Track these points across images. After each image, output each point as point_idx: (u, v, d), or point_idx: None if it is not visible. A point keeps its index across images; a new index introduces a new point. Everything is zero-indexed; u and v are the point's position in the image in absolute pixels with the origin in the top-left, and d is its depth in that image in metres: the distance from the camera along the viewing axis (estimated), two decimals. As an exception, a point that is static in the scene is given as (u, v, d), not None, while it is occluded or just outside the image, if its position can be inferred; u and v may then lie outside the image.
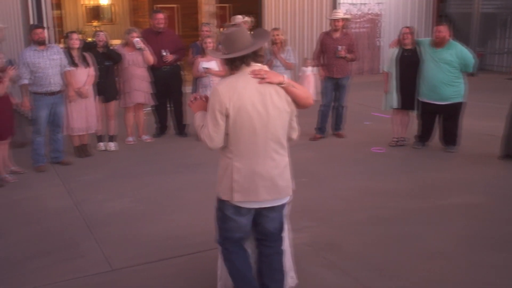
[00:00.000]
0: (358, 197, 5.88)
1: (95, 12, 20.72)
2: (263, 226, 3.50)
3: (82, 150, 7.57)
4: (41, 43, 6.77)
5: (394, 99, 7.62)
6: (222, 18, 19.60)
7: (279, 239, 3.61)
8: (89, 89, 7.30)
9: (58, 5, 18.36)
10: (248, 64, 3.27)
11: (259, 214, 3.45)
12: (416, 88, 7.49)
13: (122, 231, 5.05)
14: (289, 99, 3.30)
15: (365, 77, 14.42)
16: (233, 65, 3.32)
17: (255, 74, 3.23)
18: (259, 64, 3.32)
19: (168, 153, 7.61)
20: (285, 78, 3.29)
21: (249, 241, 3.66)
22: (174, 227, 5.03)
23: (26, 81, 6.68)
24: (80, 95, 7.18)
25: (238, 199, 3.31)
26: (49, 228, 5.16)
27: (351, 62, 8.27)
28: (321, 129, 8.36)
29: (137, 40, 7.75)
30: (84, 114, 7.31)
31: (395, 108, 7.74)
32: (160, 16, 8.32)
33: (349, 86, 8.38)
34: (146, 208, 5.63)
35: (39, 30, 6.82)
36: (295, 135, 3.48)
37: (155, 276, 4.20)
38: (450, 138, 7.51)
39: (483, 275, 4.20)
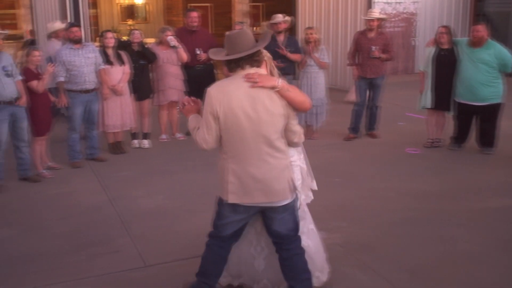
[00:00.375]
0: (392, 198, 5.81)
1: (130, 11, 20.99)
2: (274, 229, 3.50)
3: (117, 147, 7.67)
4: (77, 41, 6.89)
5: (428, 99, 7.51)
6: (255, 17, 19.63)
7: (296, 240, 3.59)
8: (124, 87, 7.40)
9: (93, 4, 18.66)
10: (243, 68, 3.29)
11: (265, 217, 3.49)
12: (452, 89, 7.36)
13: (156, 227, 5.11)
14: (284, 102, 3.27)
15: (400, 77, 14.22)
16: (229, 67, 3.35)
17: (248, 78, 3.22)
18: (255, 68, 3.30)
19: (201, 151, 7.61)
20: (279, 82, 3.25)
21: (253, 240, 3.74)
22: (206, 224, 4.99)
23: (62, 79, 6.81)
24: (115, 92, 7.28)
25: (233, 200, 3.35)
26: (84, 223, 5.25)
27: (386, 62, 8.19)
28: (354, 129, 8.29)
29: (171, 38, 7.81)
30: (119, 112, 7.42)
31: (430, 109, 7.63)
32: (194, 14, 8.37)
33: (383, 86, 8.29)
34: (180, 205, 5.68)
35: (75, 29, 6.94)
36: (296, 138, 3.43)
37: (187, 273, 4.19)
38: (487, 139, 7.36)
39: (521, 280, 4.11)
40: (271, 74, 3.56)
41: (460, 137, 7.59)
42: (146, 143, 7.99)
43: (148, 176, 6.65)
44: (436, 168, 6.85)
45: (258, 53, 3.32)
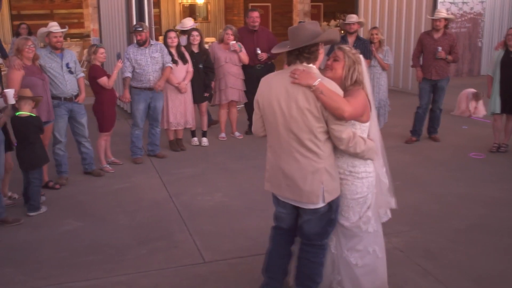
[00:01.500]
0: (456, 203, 5.64)
1: (191, 10, 21.31)
2: (300, 225, 3.53)
3: (177, 144, 7.78)
4: (141, 44, 7.03)
5: (497, 104, 7.25)
6: (315, 17, 19.53)
7: (317, 247, 3.52)
8: (188, 85, 7.50)
9: (156, 4, 19.07)
10: (290, 62, 3.31)
11: (298, 213, 3.51)
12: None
13: (216, 224, 5.15)
14: (320, 104, 3.18)
15: (464, 79, 13.83)
16: (286, 60, 3.39)
17: (292, 73, 3.23)
18: (305, 64, 3.27)
19: (259, 150, 7.58)
20: (317, 82, 3.16)
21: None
22: (266, 223, 4.97)
23: (128, 74, 6.97)
24: (180, 90, 7.39)
25: (267, 188, 3.51)
26: (145, 218, 5.36)
27: (451, 63, 7.96)
28: (416, 131, 8.10)
29: (233, 44, 7.84)
30: (183, 109, 7.53)
31: (497, 114, 7.37)
32: (255, 14, 8.38)
33: (447, 88, 8.06)
34: (238, 203, 5.70)
35: (137, 33, 7.05)
36: (343, 146, 3.28)
37: (247, 271, 4.24)
38: (557, 146, 7.05)
39: None
40: (345, 77, 3.42)
41: (528, 143, 7.30)
42: (205, 141, 8.07)
43: (207, 174, 6.72)
44: (503, 174, 6.59)
45: (309, 49, 3.26)
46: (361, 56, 3.50)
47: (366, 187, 3.49)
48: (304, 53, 3.25)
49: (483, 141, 7.87)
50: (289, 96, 3.23)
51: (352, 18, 7.85)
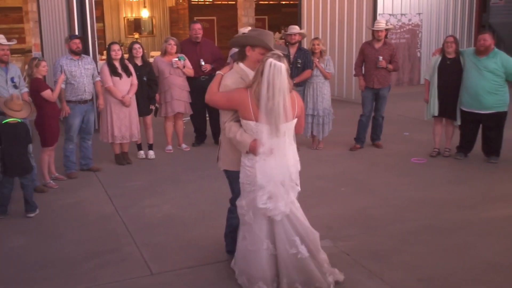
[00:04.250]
0: (402, 206, 5.78)
1: (136, 25, 21.15)
2: None
3: (123, 158, 7.68)
4: (78, 53, 6.96)
5: (436, 107, 7.52)
6: (260, 30, 19.70)
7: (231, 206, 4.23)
8: (132, 98, 7.43)
9: (100, 18, 18.81)
10: None
11: None
12: (456, 98, 7.37)
13: (164, 236, 5.11)
14: None
15: (404, 88, 14.27)
16: None
17: None
18: (236, 62, 4.02)
19: (207, 161, 7.61)
20: (218, 73, 4.04)
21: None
22: (216, 233, 4.97)
23: (63, 86, 6.80)
24: (124, 104, 7.31)
25: None
26: (92, 233, 5.26)
27: (392, 72, 8.20)
28: (360, 139, 8.29)
29: (175, 61, 7.84)
30: (128, 122, 7.43)
31: (436, 118, 7.65)
32: (198, 26, 8.39)
33: (388, 96, 8.30)
34: (187, 214, 5.68)
35: (77, 40, 6.99)
36: None
37: (196, 281, 4.22)
38: (492, 148, 7.34)
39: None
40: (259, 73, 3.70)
41: (465, 146, 7.58)
42: (151, 153, 7.99)
43: (155, 186, 6.66)
44: (443, 178, 6.81)
45: (238, 51, 4.03)
46: (277, 66, 3.63)
47: (242, 175, 3.88)
48: (236, 53, 4.11)
49: (424, 147, 8.12)
50: None
51: (294, 29, 7.97)
